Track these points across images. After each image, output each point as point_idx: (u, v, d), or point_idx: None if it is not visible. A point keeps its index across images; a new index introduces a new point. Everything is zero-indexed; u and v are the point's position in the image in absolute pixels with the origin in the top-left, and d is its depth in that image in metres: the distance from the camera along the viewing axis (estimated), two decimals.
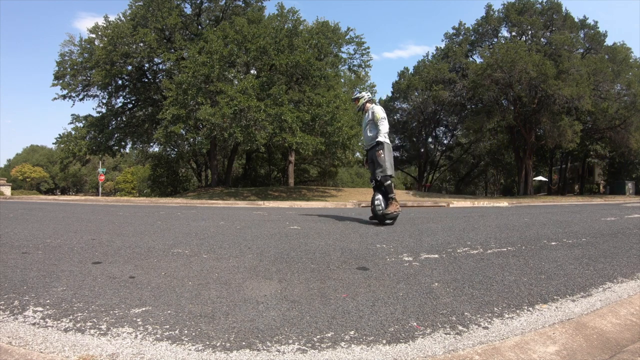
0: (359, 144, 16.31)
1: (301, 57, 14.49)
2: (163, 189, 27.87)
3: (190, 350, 1.27)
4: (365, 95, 5.54)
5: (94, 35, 18.11)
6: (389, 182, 4.97)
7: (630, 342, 1.49)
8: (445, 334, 1.45)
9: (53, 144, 22.38)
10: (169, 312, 1.60)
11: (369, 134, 5.24)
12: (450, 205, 11.07)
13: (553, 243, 3.55)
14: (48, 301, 1.70)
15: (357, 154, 31.75)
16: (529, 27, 23.52)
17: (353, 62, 22.15)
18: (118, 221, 5.02)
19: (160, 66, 19.89)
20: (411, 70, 30.35)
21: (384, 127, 5.14)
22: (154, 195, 28.09)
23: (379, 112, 5.20)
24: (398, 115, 31.82)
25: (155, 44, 16.64)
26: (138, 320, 1.51)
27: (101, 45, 17.33)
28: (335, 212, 7.64)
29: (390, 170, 5.03)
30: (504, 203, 12.77)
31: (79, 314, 1.55)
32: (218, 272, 2.26)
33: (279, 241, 3.46)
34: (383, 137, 5.11)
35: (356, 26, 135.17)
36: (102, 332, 1.39)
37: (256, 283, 2.06)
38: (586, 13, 76.43)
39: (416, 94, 28.02)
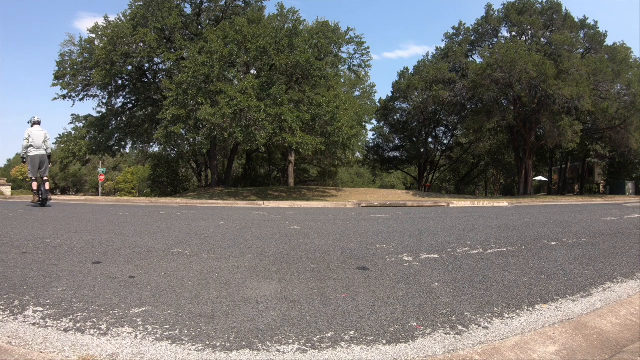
0: (359, 144, 16.27)
1: (301, 57, 14.46)
2: (163, 189, 27.87)
3: (190, 350, 1.27)
4: (32, 119, 7.87)
5: (94, 35, 18.07)
6: (29, 182, 7.81)
7: (630, 342, 1.49)
8: (445, 334, 1.45)
9: (53, 144, 22.33)
10: (169, 312, 1.60)
11: None
12: (450, 205, 11.06)
13: (553, 243, 3.55)
14: (48, 301, 1.70)
15: (358, 154, 31.79)
16: (529, 27, 23.48)
17: (353, 62, 22.14)
18: (118, 221, 5.02)
19: (160, 66, 19.87)
20: (411, 70, 30.26)
21: (21, 147, 7.71)
22: (154, 195, 28.09)
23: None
24: (398, 115, 31.78)
25: (155, 44, 16.63)
26: (138, 320, 1.51)
27: (101, 45, 17.30)
28: (335, 212, 7.64)
29: (29, 174, 7.81)
30: (504, 203, 12.76)
31: (79, 314, 1.55)
32: (218, 272, 2.26)
33: (279, 241, 3.46)
34: (21, 155, 7.84)
35: (356, 26, 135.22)
36: (102, 332, 1.39)
37: (256, 283, 2.06)
38: (586, 13, 76.25)
39: (416, 94, 27.98)
